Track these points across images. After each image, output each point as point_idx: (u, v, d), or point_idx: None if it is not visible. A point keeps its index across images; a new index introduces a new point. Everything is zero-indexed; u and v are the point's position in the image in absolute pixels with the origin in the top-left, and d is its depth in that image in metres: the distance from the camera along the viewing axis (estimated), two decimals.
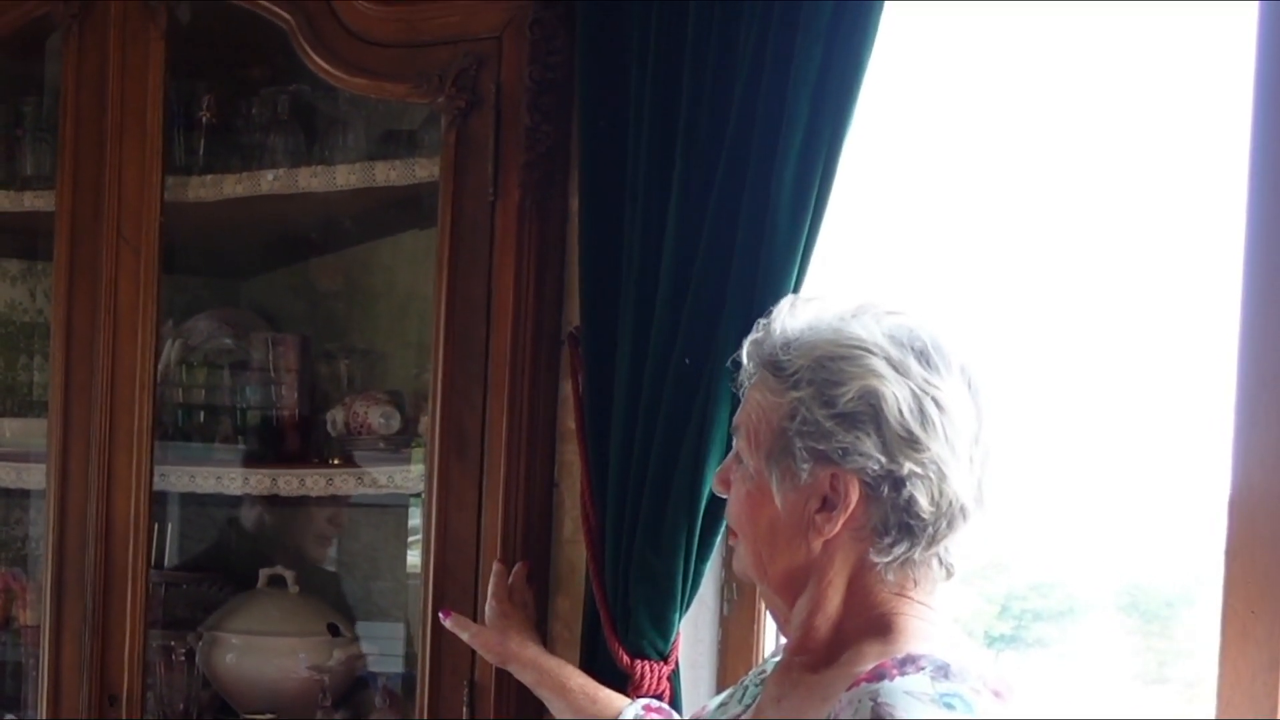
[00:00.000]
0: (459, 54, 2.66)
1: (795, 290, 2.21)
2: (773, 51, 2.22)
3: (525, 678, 2.42)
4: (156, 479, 2.93)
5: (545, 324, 2.67)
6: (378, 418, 2.96)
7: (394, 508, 3.09)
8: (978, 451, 1.70)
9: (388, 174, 2.83)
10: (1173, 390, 2.20)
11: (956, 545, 1.72)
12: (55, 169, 2.95)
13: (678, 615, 2.37)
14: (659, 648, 2.38)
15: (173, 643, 3.08)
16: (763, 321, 1.80)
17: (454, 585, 2.67)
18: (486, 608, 2.55)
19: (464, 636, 2.52)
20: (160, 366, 3.00)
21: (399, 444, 2.95)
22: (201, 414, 3.17)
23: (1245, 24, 1.89)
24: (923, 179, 2.47)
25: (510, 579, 2.59)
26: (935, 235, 2.48)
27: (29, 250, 3.40)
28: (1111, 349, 2.30)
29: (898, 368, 1.69)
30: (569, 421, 2.64)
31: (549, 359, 2.68)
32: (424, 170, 2.79)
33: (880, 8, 2.14)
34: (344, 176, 2.87)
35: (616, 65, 2.50)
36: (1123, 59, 2.21)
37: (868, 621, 1.72)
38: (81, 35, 2.89)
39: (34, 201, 3.07)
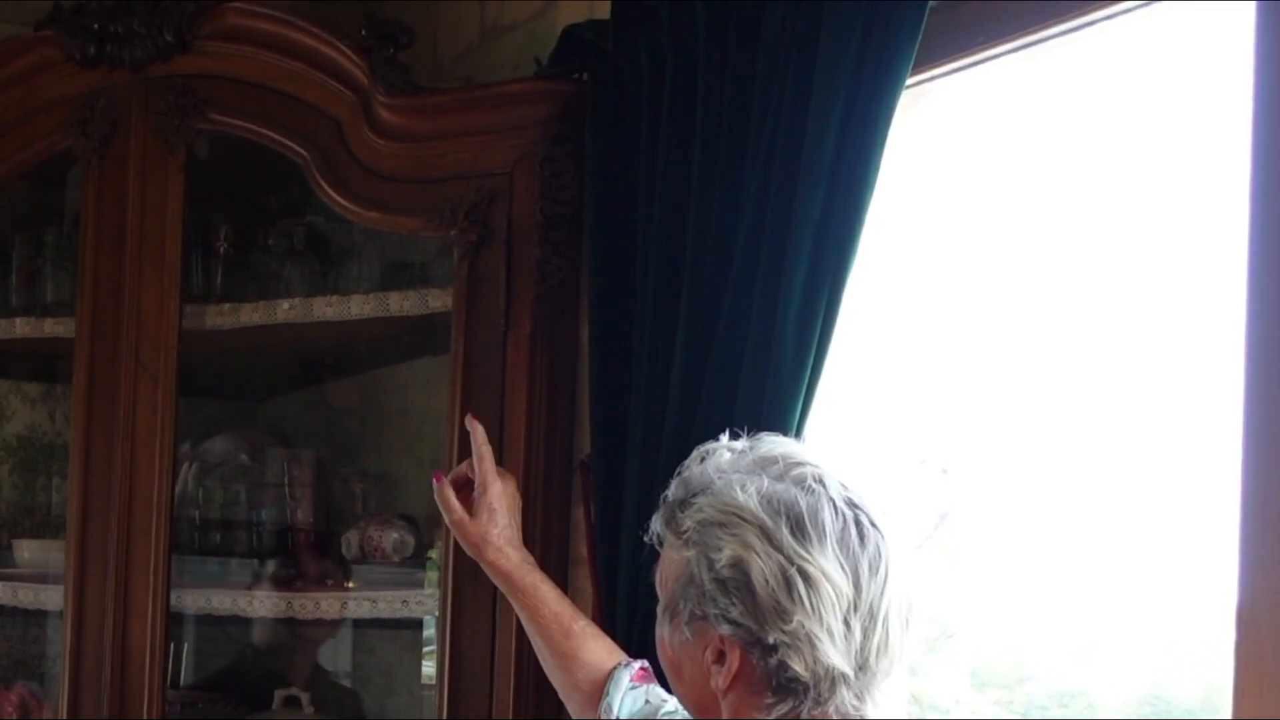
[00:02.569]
0: (471, 189, 2.73)
1: (801, 421, 2.26)
2: (776, 191, 2.28)
3: (498, 584, 2.37)
4: (173, 600, 2.97)
5: (556, 452, 2.72)
6: (391, 542, 3.00)
7: (409, 620, 3.12)
8: (857, 618, 1.74)
9: (401, 304, 2.89)
10: (1187, 501, 2.22)
11: (875, 696, 1.76)
12: (75, 297, 3.01)
13: None
14: None
15: None
16: (678, 474, 1.85)
17: (468, 709, 2.71)
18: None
19: (446, 518, 2.40)
20: (177, 489, 3.05)
21: (413, 566, 2.99)
22: (218, 535, 3.22)
23: (1244, 28, 1.92)
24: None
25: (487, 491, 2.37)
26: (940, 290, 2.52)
27: (49, 374, 3.45)
28: (1126, 454, 2.32)
29: (770, 537, 1.73)
30: (580, 548, 2.68)
31: (560, 486, 2.72)
32: (437, 300, 2.85)
33: (882, 151, 2.19)
34: (358, 305, 2.93)
35: (625, 201, 2.56)
36: (1122, 70, 2.24)
37: None
38: (102, 168, 2.96)
39: (54, 328, 3.13)
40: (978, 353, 2.48)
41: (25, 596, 3.22)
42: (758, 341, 2.28)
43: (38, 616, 3.32)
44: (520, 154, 2.71)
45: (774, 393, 2.25)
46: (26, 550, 3.29)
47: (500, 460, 2.68)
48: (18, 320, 3.18)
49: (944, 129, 2.45)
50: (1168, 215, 2.22)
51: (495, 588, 2.68)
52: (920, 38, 2.17)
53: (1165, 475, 2.23)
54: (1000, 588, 2.44)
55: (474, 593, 2.71)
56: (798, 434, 2.24)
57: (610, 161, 2.60)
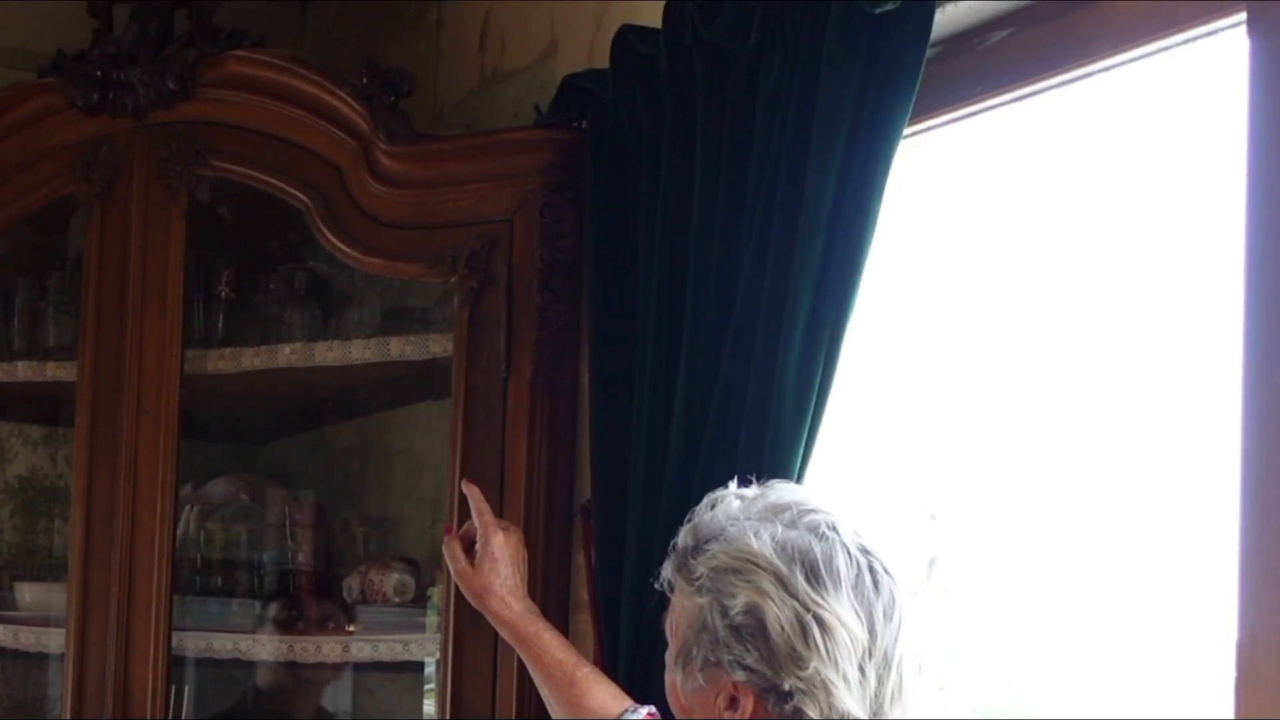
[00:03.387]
0: (471, 236, 2.74)
1: (802, 467, 2.27)
2: (775, 240, 2.30)
3: (502, 633, 2.39)
4: (174, 643, 2.97)
5: (557, 497, 2.74)
6: (393, 585, 3.01)
7: (411, 662, 3.13)
8: (872, 665, 1.76)
9: (402, 349, 2.91)
10: (1184, 542, 2.23)
11: None
12: (77, 341, 3.02)
13: None
14: None
15: None
16: (688, 521, 1.87)
17: None
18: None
19: (450, 569, 2.41)
20: (179, 531, 3.06)
21: (414, 609, 3.00)
22: (219, 577, 3.22)
23: (1238, 77, 1.95)
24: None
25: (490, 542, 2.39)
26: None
27: (51, 417, 3.47)
28: (1118, 497, 2.33)
29: (785, 584, 1.75)
30: (582, 592, 2.70)
31: (561, 531, 2.74)
32: (438, 345, 2.86)
33: (880, 199, 2.21)
34: (359, 351, 2.94)
35: (624, 249, 2.58)
36: (1118, 120, 2.26)
37: None
38: (104, 213, 2.98)
39: (56, 372, 3.14)
40: (972, 397, 2.49)
41: (26, 639, 3.22)
42: (759, 387, 2.29)
43: (39, 659, 3.32)
44: (520, 201, 2.73)
45: (775, 438, 2.27)
46: (28, 593, 3.30)
47: (501, 505, 2.71)
48: (20, 363, 3.19)
49: (942, 176, 2.47)
50: (1162, 263, 2.24)
51: (496, 631, 2.71)
52: (917, 89, 2.19)
53: (1159, 518, 2.25)
54: (995, 632, 2.45)
55: (475, 635, 2.72)
56: (799, 480, 2.25)
57: (610, 209, 2.62)
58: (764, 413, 2.28)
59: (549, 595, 2.71)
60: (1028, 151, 2.38)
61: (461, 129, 3.18)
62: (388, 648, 3.00)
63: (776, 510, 1.82)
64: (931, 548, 2.52)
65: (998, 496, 2.44)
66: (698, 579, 1.80)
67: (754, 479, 1.91)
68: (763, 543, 1.77)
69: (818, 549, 1.77)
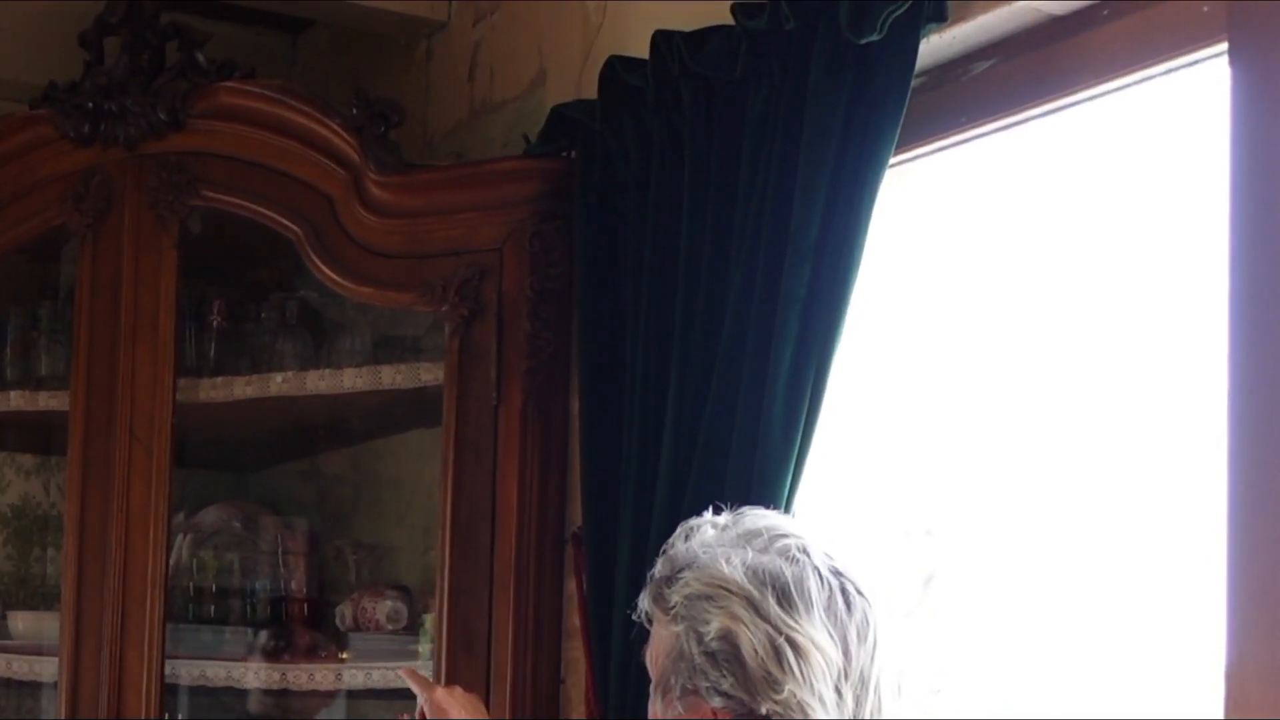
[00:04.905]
0: (462, 265, 2.76)
1: (790, 494, 2.29)
2: (763, 268, 2.32)
3: None
4: (167, 671, 2.97)
5: (549, 524, 2.75)
6: (385, 612, 3.02)
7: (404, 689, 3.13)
8: (849, 686, 1.77)
9: (393, 377, 2.92)
10: (1176, 561, 2.24)
11: None
12: (70, 370, 3.03)
13: None
14: None
15: None
16: (664, 552, 1.88)
17: None
18: None
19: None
20: (171, 560, 3.06)
21: (407, 636, 3.01)
22: (212, 605, 3.23)
23: (1219, 105, 1.98)
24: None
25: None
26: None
27: (44, 446, 3.46)
28: (1109, 516, 2.35)
29: (757, 608, 1.76)
30: (573, 619, 2.70)
31: (553, 558, 2.75)
32: (429, 374, 2.88)
33: (867, 228, 2.23)
34: (351, 379, 2.95)
35: (613, 277, 2.61)
36: (1102, 147, 2.28)
37: None
38: (96, 244, 2.99)
39: (49, 401, 3.15)
40: (964, 416, 2.51)
41: (20, 668, 3.22)
42: (746, 415, 2.31)
43: (32, 688, 3.31)
44: (510, 230, 2.75)
45: (763, 466, 2.28)
46: (21, 622, 3.29)
47: (492, 532, 2.73)
48: (12, 393, 3.19)
49: (928, 204, 2.49)
50: (1146, 289, 2.26)
51: (488, 656, 2.72)
52: (903, 118, 2.21)
53: (1153, 533, 2.26)
54: (990, 648, 2.46)
55: (468, 662, 2.73)
56: (787, 506, 2.27)
57: (598, 238, 2.64)
58: (752, 440, 2.30)
59: (540, 623, 2.73)
60: (1013, 180, 2.40)
61: (451, 159, 3.19)
62: (380, 675, 3.01)
63: (749, 537, 1.83)
64: (928, 564, 2.53)
65: (993, 512, 2.46)
66: (673, 608, 1.81)
67: (728, 507, 1.92)
68: (734, 568, 1.78)
69: (789, 572, 1.78)
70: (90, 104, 2.98)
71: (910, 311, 2.54)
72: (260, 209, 2.93)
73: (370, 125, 2.83)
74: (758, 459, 2.29)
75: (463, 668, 2.73)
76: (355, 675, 3.03)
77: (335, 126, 2.86)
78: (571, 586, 2.71)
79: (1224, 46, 1.99)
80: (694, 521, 1.90)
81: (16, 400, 3.19)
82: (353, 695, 3.19)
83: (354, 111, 2.85)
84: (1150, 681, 2.24)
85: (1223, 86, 1.98)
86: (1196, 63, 2.06)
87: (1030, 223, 2.40)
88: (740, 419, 2.32)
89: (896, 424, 2.56)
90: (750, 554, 1.80)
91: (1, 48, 3.30)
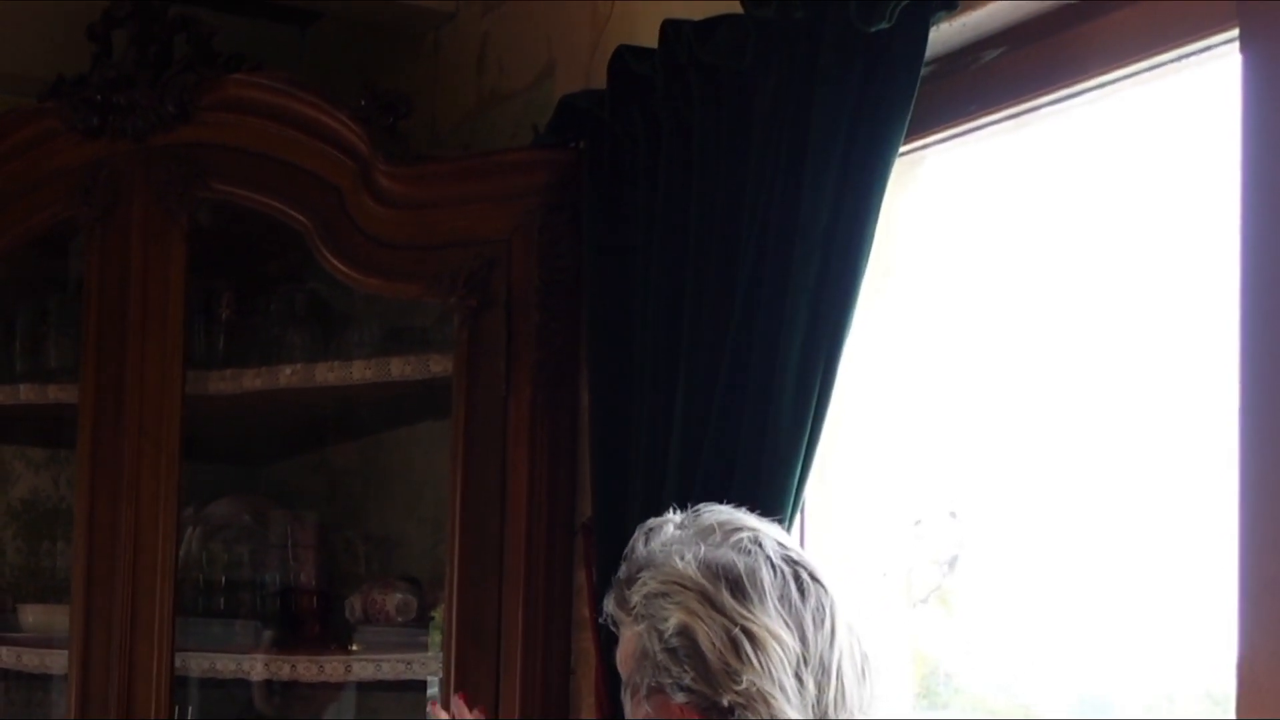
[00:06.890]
0: (470, 256, 2.76)
1: (800, 483, 2.29)
2: (771, 258, 2.31)
3: None
4: (177, 664, 2.98)
5: (558, 515, 2.75)
6: (395, 604, 3.02)
7: (413, 681, 3.14)
8: (809, 672, 1.78)
9: (403, 368, 2.92)
10: (1194, 550, 2.24)
11: None
12: (79, 363, 3.03)
13: None
14: None
15: None
16: (625, 555, 1.90)
17: None
18: None
19: None
20: (181, 552, 3.07)
21: (416, 628, 3.01)
22: (222, 598, 3.23)
23: (1231, 93, 1.97)
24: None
25: None
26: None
27: (53, 439, 3.47)
28: (1130, 505, 2.35)
29: (711, 601, 1.77)
30: (583, 610, 2.70)
31: (563, 550, 2.75)
32: (438, 365, 2.87)
33: (876, 218, 2.22)
34: (360, 371, 2.95)
35: (622, 268, 2.60)
36: (1114, 137, 2.28)
37: None
38: (105, 237, 2.99)
39: (58, 394, 3.15)
40: (983, 401, 2.51)
41: (30, 661, 3.22)
42: (756, 404, 2.30)
43: (42, 681, 3.33)
44: (519, 221, 2.74)
45: (772, 455, 2.28)
46: (31, 615, 3.30)
47: (502, 523, 2.72)
48: (21, 386, 3.19)
49: (939, 194, 2.49)
50: (1160, 279, 2.26)
51: (498, 649, 2.72)
52: (912, 107, 2.20)
53: (1170, 526, 2.26)
54: (1011, 632, 2.47)
55: (477, 654, 2.73)
56: (797, 495, 2.27)
57: (607, 228, 2.63)
58: (761, 430, 2.29)
59: (551, 613, 2.72)
60: (1023, 168, 2.39)
61: (460, 150, 3.19)
62: (390, 667, 3.01)
63: (705, 533, 1.85)
64: (952, 546, 2.53)
65: (1015, 497, 2.46)
66: (633, 608, 1.84)
67: (686, 506, 1.93)
68: (687, 563, 1.80)
69: (741, 563, 1.80)
70: (98, 97, 2.98)
71: (929, 298, 2.54)
72: (269, 201, 2.93)
73: (379, 117, 2.83)
74: (767, 448, 2.28)
75: (472, 659, 2.73)
76: (365, 667, 3.03)
77: (344, 118, 2.86)
78: (581, 578, 2.71)
79: (1235, 33, 1.98)
80: (653, 522, 1.92)
81: (26, 393, 3.20)
82: (362, 687, 3.20)
83: (362, 103, 2.85)
84: (1165, 666, 2.25)
85: (1233, 74, 1.98)
86: (1207, 50, 2.05)
87: (1042, 210, 2.39)
88: (750, 408, 2.31)
89: (920, 410, 2.56)
90: (703, 549, 1.82)
91: (9, 41, 3.31)
